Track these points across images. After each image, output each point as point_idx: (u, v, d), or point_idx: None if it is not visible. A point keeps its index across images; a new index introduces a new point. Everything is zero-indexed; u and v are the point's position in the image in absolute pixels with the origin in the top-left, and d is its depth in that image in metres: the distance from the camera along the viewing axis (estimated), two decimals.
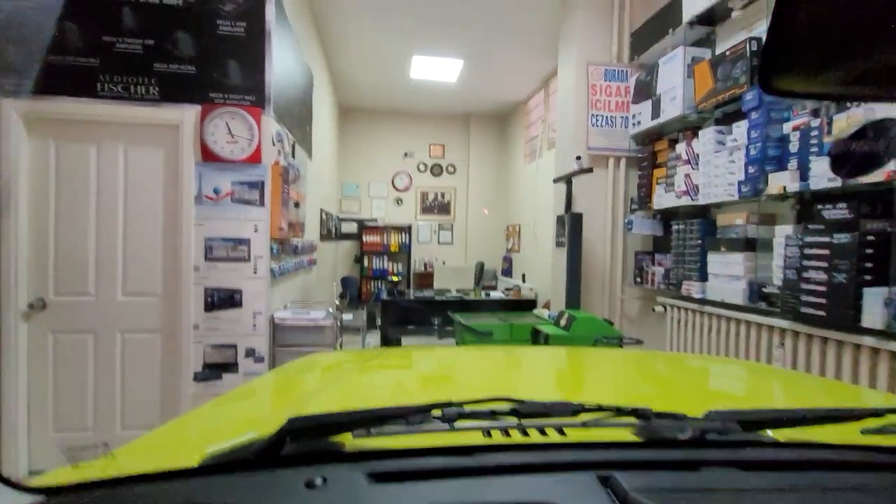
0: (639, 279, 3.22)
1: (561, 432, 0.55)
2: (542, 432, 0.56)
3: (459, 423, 0.51)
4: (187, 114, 2.53)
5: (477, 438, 0.53)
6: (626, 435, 0.56)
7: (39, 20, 2.37)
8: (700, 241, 2.58)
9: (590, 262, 3.40)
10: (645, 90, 3.05)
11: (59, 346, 2.49)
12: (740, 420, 0.54)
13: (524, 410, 0.53)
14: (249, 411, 0.88)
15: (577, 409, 0.53)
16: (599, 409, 0.55)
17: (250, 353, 2.63)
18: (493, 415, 0.53)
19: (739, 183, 2.27)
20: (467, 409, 0.53)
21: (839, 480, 0.46)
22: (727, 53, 2.38)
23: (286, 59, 3.00)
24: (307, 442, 0.51)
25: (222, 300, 2.59)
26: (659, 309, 2.96)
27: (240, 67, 2.58)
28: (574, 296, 3.22)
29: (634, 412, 0.54)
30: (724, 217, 2.42)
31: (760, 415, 0.58)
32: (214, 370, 2.60)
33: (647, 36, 3.09)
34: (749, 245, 2.24)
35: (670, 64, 2.78)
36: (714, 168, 2.47)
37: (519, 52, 4.99)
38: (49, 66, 2.39)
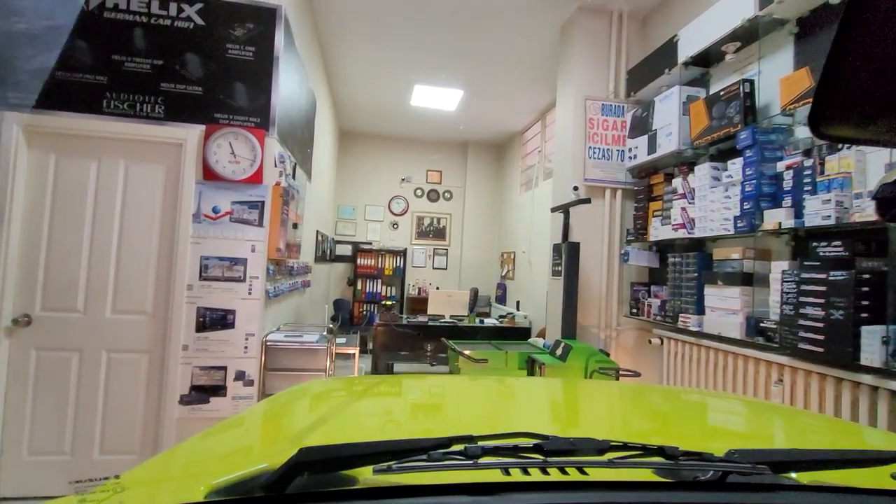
0: (635, 310, 3.22)
1: (581, 471, 0.53)
2: (563, 470, 0.53)
3: (484, 460, 0.49)
4: (191, 133, 2.54)
5: (495, 475, 0.51)
6: (650, 474, 0.55)
7: (49, 36, 2.40)
8: (696, 274, 2.60)
9: (586, 291, 3.40)
10: (641, 125, 3.13)
11: (41, 364, 2.40)
12: (769, 461, 0.52)
13: (549, 447, 0.51)
14: (251, 439, 0.84)
15: (602, 448, 0.51)
16: (625, 446, 0.53)
17: (240, 375, 2.56)
18: (516, 450, 0.51)
19: (735, 218, 2.31)
20: (490, 444, 0.51)
21: None
22: (722, 93, 2.47)
23: (292, 84, 3.05)
24: (319, 475, 0.48)
25: (215, 320, 2.54)
26: (655, 341, 2.95)
27: (246, 90, 2.62)
28: (570, 325, 3.21)
29: (661, 451, 0.52)
30: (721, 251, 2.45)
31: (787, 455, 0.55)
32: (202, 393, 2.52)
33: (642, 74, 3.21)
34: (746, 279, 2.26)
35: (666, 101, 2.87)
36: (710, 203, 2.51)
37: (517, 85, 5.14)
38: (56, 81, 2.41)
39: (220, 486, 0.50)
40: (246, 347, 2.57)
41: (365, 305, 6.97)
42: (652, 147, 2.99)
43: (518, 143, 6.82)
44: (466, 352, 3.00)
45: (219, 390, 2.53)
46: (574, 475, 0.53)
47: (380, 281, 6.99)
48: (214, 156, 2.54)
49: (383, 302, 6.20)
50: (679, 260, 2.76)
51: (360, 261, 6.93)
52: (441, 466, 0.47)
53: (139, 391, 2.50)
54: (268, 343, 2.65)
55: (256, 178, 2.58)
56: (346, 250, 7.11)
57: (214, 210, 2.56)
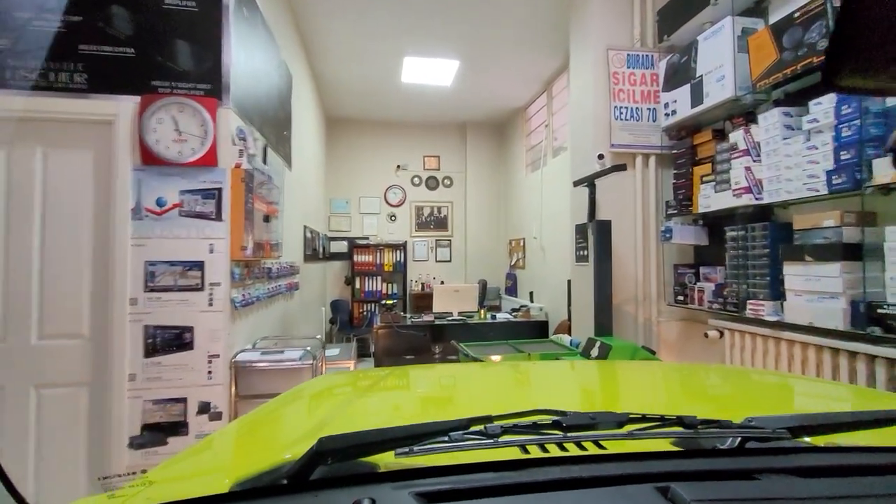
0: (681, 297, 2.69)
1: (599, 445, 0.54)
2: (580, 445, 0.54)
3: (504, 438, 0.49)
4: (123, 106, 2.01)
5: (513, 453, 0.52)
6: (668, 444, 0.56)
7: None
8: (769, 250, 2.07)
9: (618, 278, 2.87)
10: (681, 74, 2.58)
11: None
12: (788, 426, 0.51)
13: (568, 423, 0.50)
14: (269, 435, 0.83)
15: (621, 421, 0.51)
16: (644, 418, 0.53)
17: (204, 408, 2.05)
18: (536, 427, 0.51)
19: (828, 173, 1.77)
20: (509, 423, 0.51)
21: None
22: (796, 15, 1.92)
23: (253, 47, 2.51)
24: (340, 462, 0.48)
25: (168, 341, 2.03)
26: (713, 334, 2.43)
27: (191, 50, 2.08)
28: (605, 320, 2.69)
29: (680, 421, 0.52)
30: (805, 218, 1.92)
31: (805, 420, 0.54)
32: (157, 433, 2.01)
33: (678, 12, 2.65)
34: (849, 252, 1.73)
35: (715, 38, 2.32)
36: (784, 158, 1.98)
37: (519, 51, 4.57)
38: None
39: (245, 478, 0.51)
40: (210, 372, 2.06)
41: (365, 305, 6.46)
42: (697, 98, 2.44)
43: (521, 120, 6.26)
44: (482, 357, 2.49)
45: (179, 428, 2.03)
46: (592, 450, 0.54)
47: (379, 278, 6.47)
48: (154, 133, 2.01)
49: (383, 301, 5.68)
50: (742, 233, 2.22)
51: (357, 257, 6.41)
52: (462, 446, 0.48)
53: (79, 434, 2.00)
54: (238, 364, 2.14)
55: (209, 160, 2.05)
56: (341, 247, 6.59)
57: (159, 203, 2.04)
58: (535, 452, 0.53)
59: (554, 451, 0.54)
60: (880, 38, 0.41)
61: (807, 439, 0.56)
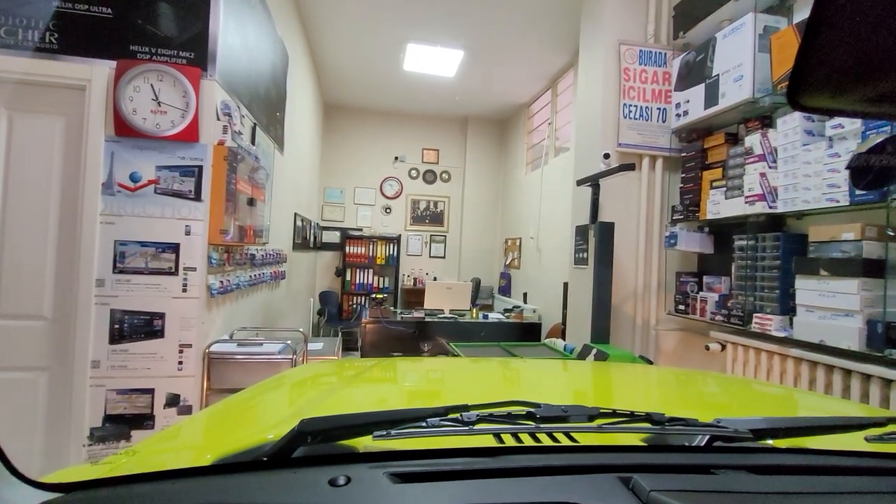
0: (682, 306, 2.59)
1: (570, 437, 0.57)
2: (553, 437, 0.57)
3: (479, 427, 0.50)
4: (97, 71, 1.86)
5: (488, 442, 0.54)
6: (638, 439, 0.59)
7: None
8: (780, 261, 1.97)
9: (617, 283, 2.76)
10: (695, 73, 2.46)
11: None
12: (750, 428, 0.55)
13: (541, 414, 0.53)
14: (254, 416, 0.84)
15: (592, 415, 0.54)
16: (614, 413, 0.55)
17: (173, 400, 1.92)
18: (510, 417, 0.53)
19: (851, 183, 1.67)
20: (485, 412, 0.53)
21: (846, 484, 0.48)
22: None
23: (245, 16, 2.35)
24: (319, 443, 0.50)
25: (136, 327, 1.89)
26: (714, 346, 2.32)
27: (174, 14, 1.93)
28: (602, 326, 2.58)
29: (648, 417, 0.55)
30: (822, 230, 1.81)
31: (769, 423, 0.57)
32: (120, 426, 1.87)
33: (696, 7, 2.53)
34: (869, 268, 1.62)
35: (734, 36, 2.20)
36: (803, 166, 1.87)
37: (525, 44, 4.43)
38: None
39: (228, 454, 0.53)
40: (181, 362, 1.92)
41: (355, 298, 6.32)
42: (712, 98, 2.33)
43: (524, 117, 6.13)
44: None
45: (143, 421, 1.89)
46: (564, 442, 0.57)
47: (371, 271, 6.33)
48: (131, 103, 1.86)
49: (374, 295, 5.54)
50: (751, 243, 2.12)
51: (349, 249, 6.26)
52: (437, 432, 0.49)
53: (35, 423, 1.85)
54: (212, 355, 2.00)
55: (190, 135, 1.90)
56: (333, 237, 6.44)
57: (133, 178, 1.89)
58: (509, 441, 0.56)
59: (527, 442, 0.57)
60: (846, 59, 0.42)
61: (769, 441, 0.59)
